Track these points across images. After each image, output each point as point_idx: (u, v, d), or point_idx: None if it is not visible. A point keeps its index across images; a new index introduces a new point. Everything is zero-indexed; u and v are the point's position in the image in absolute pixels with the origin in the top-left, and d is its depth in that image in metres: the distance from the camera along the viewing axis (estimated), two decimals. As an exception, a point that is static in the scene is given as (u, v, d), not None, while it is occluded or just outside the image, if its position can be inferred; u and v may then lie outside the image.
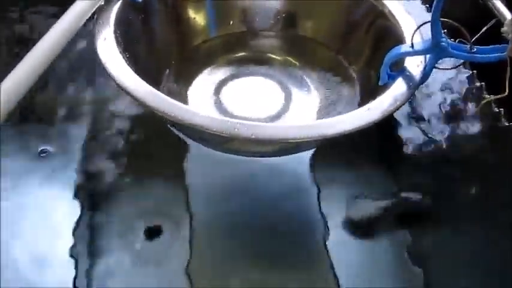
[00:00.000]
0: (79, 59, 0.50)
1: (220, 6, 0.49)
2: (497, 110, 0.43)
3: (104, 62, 0.36)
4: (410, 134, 0.45)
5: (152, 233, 0.38)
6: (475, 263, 0.37)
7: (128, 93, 0.34)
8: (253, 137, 0.31)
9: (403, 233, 0.39)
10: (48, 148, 0.43)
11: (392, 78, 0.37)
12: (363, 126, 0.33)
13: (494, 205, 0.39)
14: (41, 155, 0.43)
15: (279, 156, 0.42)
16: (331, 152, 0.43)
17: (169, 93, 0.39)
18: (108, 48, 0.37)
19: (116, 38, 0.38)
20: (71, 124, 0.45)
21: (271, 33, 0.50)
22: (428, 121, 0.46)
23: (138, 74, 0.35)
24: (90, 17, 0.37)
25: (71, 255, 0.36)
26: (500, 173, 0.40)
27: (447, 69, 0.42)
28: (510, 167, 0.40)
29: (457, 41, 0.35)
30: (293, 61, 0.49)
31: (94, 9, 0.38)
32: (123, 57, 0.36)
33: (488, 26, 0.34)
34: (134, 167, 0.42)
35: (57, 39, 0.34)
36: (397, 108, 0.35)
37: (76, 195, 0.40)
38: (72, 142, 0.44)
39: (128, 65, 0.36)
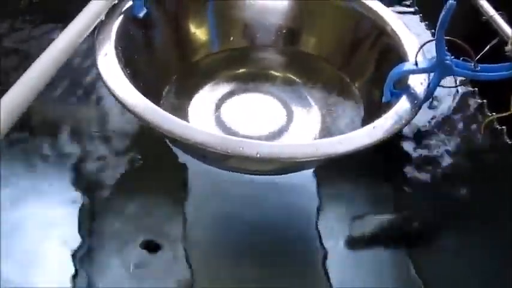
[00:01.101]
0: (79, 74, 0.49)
1: (222, 22, 0.49)
2: (500, 128, 0.42)
3: (104, 78, 0.35)
4: (412, 152, 0.45)
5: (150, 249, 0.37)
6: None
7: (129, 110, 0.34)
8: (258, 155, 0.31)
9: (403, 251, 0.38)
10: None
11: (396, 96, 0.37)
12: (370, 145, 0.33)
13: (496, 224, 0.39)
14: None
15: (281, 174, 0.41)
16: (334, 169, 0.42)
17: (170, 109, 0.39)
18: (109, 64, 0.36)
19: (117, 53, 0.37)
20: (70, 139, 0.44)
21: (272, 48, 0.50)
22: (431, 139, 0.46)
23: (139, 90, 0.35)
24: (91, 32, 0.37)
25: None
26: (503, 192, 0.39)
27: (450, 87, 0.42)
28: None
29: (461, 59, 0.35)
30: (295, 77, 0.49)
31: (95, 24, 0.37)
32: (124, 73, 0.36)
33: (491, 44, 0.34)
34: (132, 184, 0.41)
35: (59, 53, 0.32)
36: (403, 127, 0.35)
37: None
38: (71, 158, 0.43)
39: (129, 81, 0.35)
